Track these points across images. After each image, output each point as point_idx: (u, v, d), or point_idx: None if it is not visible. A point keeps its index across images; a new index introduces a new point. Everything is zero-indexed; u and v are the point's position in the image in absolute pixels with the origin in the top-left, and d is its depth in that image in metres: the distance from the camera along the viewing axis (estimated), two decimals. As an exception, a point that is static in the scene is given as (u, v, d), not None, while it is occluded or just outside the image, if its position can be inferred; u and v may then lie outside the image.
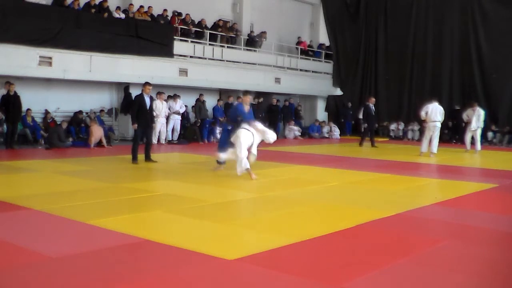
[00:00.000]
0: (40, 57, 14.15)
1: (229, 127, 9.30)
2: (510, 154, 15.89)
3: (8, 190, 7.15)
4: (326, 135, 22.01)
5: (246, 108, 9.31)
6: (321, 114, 23.81)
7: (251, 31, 21.64)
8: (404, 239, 5.03)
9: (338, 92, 24.30)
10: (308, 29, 25.45)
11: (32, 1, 14.36)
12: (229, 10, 21.81)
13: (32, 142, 14.29)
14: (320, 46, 24.80)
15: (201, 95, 18.36)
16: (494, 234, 5.43)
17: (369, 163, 11.87)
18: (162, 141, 16.23)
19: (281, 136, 19.76)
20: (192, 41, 18.30)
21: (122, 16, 16.50)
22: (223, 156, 9.00)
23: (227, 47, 19.68)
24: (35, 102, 14.78)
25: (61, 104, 15.87)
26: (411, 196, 7.57)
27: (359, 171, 10.21)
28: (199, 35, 18.78)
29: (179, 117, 16.92)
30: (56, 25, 14.33)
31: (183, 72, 17.66)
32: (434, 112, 13.94)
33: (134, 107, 10.73)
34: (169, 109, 16.47)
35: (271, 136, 8.90)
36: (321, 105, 24.10)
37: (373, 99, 17.40)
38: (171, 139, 16.75)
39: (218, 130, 17.06)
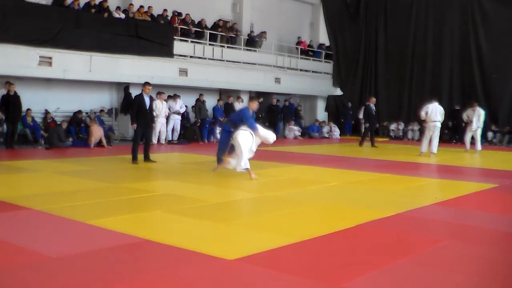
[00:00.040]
0: (40, 57, 14.15)
1: (232, 129, 9.23)
2: (510, 154, 15.88)
3: (8, 190, 7.14)
4: (326, 135, 22.00)
5: (251, 112, 9.30)
6: (321, 114, 23.80)
7: (251, 31, 21.64)
8: (404, 239, 5.03)
9: (338, 92, 24.29)
10: (308, 29, 25.45)
11: (32, 1, 14.36)
12: (229, 10, 21.81)
13: (32, 142, 14.29)
14: (320, 46, 24.79)
15: (201, 95, 18.36)
16: (494, 234, 5.42)
17: (369, 163, 11.87)
18: (162, 141, 16.23)
19: (281, 136, 19.77)
20: (192, 41, 18.30)
21: (122, 16, 16.50)
22: (233, 162, 8.85)
23: (227, 47, 19.67)
24: (35, 102, 14.79)
25: (61, 104, 15.88)
26: (411, 196, 7.57)
27: (359, 171, 10.21)
28: (199, 35, 18.78)
29: (179, 117, 16.93)
30: (56, 25, 14.33)
31: (183, 72, 17.66)
32: (434, 112, 13.94)
33: (134, 107, 10.73)
34: (169, 109, 16.47)
35: (271, 136, 8.98)
36: (321, 105, 24.09)
37: (373, 99, 17.41)
38: (171, 139, 16.75)
39: (218, 130, 17.06)
